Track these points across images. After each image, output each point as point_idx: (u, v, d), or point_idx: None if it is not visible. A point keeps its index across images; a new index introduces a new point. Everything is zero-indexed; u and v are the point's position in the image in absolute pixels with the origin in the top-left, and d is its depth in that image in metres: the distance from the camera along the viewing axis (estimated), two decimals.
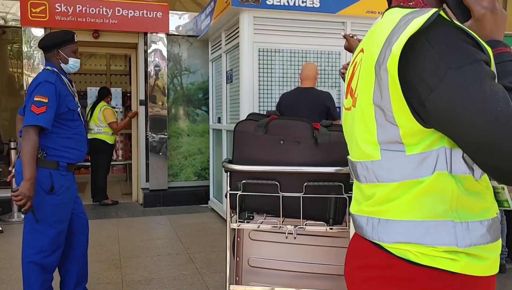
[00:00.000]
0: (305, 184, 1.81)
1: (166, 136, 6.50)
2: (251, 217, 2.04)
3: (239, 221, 1.98)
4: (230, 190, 1.90)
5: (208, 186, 6.48)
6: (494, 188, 1.06)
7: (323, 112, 4.06)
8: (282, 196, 1.83)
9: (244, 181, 1.85)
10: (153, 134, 6.45)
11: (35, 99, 2.47)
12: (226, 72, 5.49)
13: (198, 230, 5.09)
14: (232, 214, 1.97)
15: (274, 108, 4.83)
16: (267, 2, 4.65)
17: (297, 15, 4.78)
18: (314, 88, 4.19)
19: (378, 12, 4.94)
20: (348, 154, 1.34)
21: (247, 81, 4.73)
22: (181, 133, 6.68)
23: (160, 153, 6.47)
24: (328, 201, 1.82)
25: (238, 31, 4.85)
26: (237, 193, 1.87)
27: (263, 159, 1.83)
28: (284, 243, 2.07)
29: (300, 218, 1.85)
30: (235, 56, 5.09)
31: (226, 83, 5.49)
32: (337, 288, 2.06)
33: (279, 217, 1.89)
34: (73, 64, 2.78)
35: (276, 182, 1.82)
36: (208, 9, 5.71)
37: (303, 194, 1.82)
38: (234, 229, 2.08)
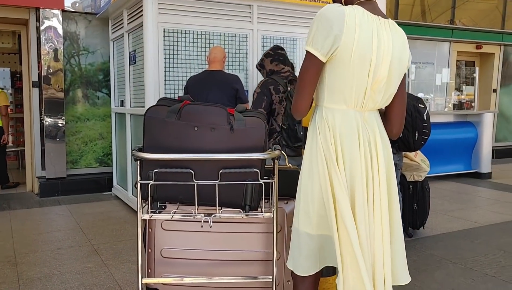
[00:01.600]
0: (221, 171, 1.76)
1: (64, 120, 6.07)
2: (163, 207, 1.96)
3: (151, 212, 1.88)
4: (141, 180, 1.79)
5: (111, 172, 6.19)
6: None
7: (232, 95, 4.03)
8: (196, 185, 1.77)
9: (156, 170, 1.76)
10: (48, 119, 5.98)
11: None
12: (129, 52, 5.22)
13: (102, 220, 4.84)
14: (143, 204, 1.87)
15: (181, 91, 4.70)
16: None
17: None
18: (222, 70, 4.14)
19: None
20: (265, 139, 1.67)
21: (152, 63, 4.54)
22: (80, 117, 6.27)
23: (57, 139, 6.03)
24: (243, 187, 1.79)
25: (141, 10, 4.62)
26: (149, 183, 1.77)
27: (176, 146, 1.74)
28: (199, 232, 2.01)
29: (215, 206, 1.80)
30: (139, 36, 4.85)
31: (129, 64, 5.23)
32: (252, 273, 2.05)
33: (194, 205, 1.83)
34: None
35: (191, 170, 1.75)
36: None
37: (219, 181, 1.77)
38: (145, 220, 1.98)
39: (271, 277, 1.93)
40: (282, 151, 1.89)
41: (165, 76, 4.63)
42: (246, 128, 1.75)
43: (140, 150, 1.80)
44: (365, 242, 1.66)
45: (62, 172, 6.06)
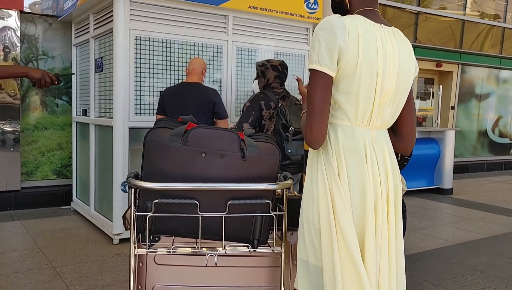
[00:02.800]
0: (229, 202, 1.58)
1: (19, 129, 5.65)
2: (156, 239, 1.75)
3: (142, 245, 1.67)
4: (137, 211, 1.59)
5: (70, 185, 5.81)
6: None
7: (209, 109, 3.84)
8: (201, 217, 1.58)
9: (156, 200, 1.55)
10: (2, 126, 5.55)
11: None
12: (95, 59, 4.92)
13: (62, 238, 4.49)
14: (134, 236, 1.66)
15: (152, 101, 4.46)
16: None
17: (178, 3, 4.46)
18: (200, 83, 3.94)
19: (260, 8, 4.86)
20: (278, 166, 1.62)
21: (122, 71, 4.28)
22: (37, 125, 5.87)
23: (12, 149, 5.60)
24: (252, 220, 1.62)
25: (111, 16, 4.36)
26: (147, 215, 1.56)
27: (180, 174, 1.55)
28: (196, 267, 1.81)
29: (220, 240, 1.62)
30: (107, 43, 4.58)
31: (95, 72, 4.93)
32: None
33: (194, 238, 1.64)
34: None
35: (196, 201, 1.56)
36: None
37: (226, 213, 1.59)
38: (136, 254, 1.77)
39: None
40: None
41: (136, 85, 4.38)
42: (259, 155, 1.59)
43: (137, 176, 1.59)
44: (373, 273, 1.52)
45: (16, 184, 5.63)
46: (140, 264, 1.82)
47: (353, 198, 1.52)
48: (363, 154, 1.53)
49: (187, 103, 3.76)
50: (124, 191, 4.10)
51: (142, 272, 1.82)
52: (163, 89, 4.38)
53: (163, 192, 1.56)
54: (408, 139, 1.71)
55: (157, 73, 4.51)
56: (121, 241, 4.30)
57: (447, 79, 9.97)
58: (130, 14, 4.28)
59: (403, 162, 3.64)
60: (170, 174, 1.55)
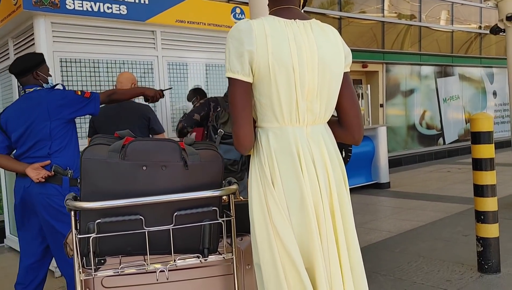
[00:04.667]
0: (175, 214, 1.55)
1: None
2: (102, 262, 1.68)
3: (87, 269, 1.60)
4: (78, 234, 1.51)
5: (3, 221, 5.45)
6: None
7: (144, 126, 3.77)
8: (147, 232, 1.54)
9: (98, 220, 1.49)
10: None
11: (77, 93, 2.88)
12: (18, 86, 4.68)
13: None
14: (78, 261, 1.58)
15: (84, 125, 4.31)
16: (67, 6, 4.11)
17: (102, 22, 4.36)
18: (131, 100, 3.84)
19: (188, 22, 4.85)
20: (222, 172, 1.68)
21: None
22: None
23: None
24: (201, 229, 1.60)
25: (32, 39, 4.17)
26: (90, 237, 1.50)
27: (122, 190, 1.50)
28: (149, 284, 1.76)
29: (170, 253, 1.58)
30: None
31: None
32: None
33: (143, 255, 1.59)
34: (51, 82, 2.99)
35: (140, 217, 1.52)
36: None
37: (173, 225, 1.55)
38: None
39: None
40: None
41: None
42: (201, 163, 1.57)
43: (76, 198, 1.52)
44: (323, 278, 1.51)
45: None
46: (87, 289, 1.73)
47: (290, 202, 1.51)
48: (296, 154, 1.53)
49: (120, 121, 3.65)
50: None
51: None
52: None
53: (105, 211, 1.50)
54: (354, 129, 1.69)
55: None
56: None
57: (374, 79, 10.42)
58: (53, 36, 4.12)
59: (347, 158, 3.76)
60: (111, 192, 1.49)
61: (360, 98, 10.61)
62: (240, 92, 1.50)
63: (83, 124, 4.29)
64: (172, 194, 1.53)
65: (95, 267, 1.58)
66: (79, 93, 2.88)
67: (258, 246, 1.52)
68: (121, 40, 4.52)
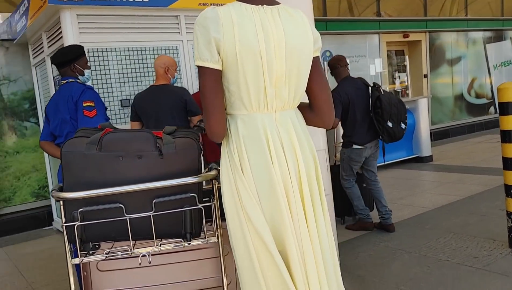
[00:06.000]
0: (154, 201, 1.61)
1: None
2: (97, 247, 1.78)
3: (81, 254, 1.70)
4: (65, 222, 1.61)
5: (50, 205, 5.82)
6: None
7: (181, 108, 3.80)
8: (129, 219, 1.61)
9: (81, 209, 1.58)
10: None
11: (84, 105, 2.80)
12: (54, 77, 4.92)
13: (43, 259, 4.51)
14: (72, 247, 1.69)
15: (115, 111, 4.47)
16: None
17: (125, 10, 4.46)
18: (168, 84, 3.88)
19: (211, 4, 4.86)
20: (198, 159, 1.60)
21: None
22: (8, 151, 5.85)
23: None
24: (182, 215, 1.65)
25: (61, 32, 4.35)
26: (75, 225, 1.59)
27: (101, 181, 1.57)
28: (141, 268, 1.85)
29: (153, 239, 1.65)
30: None
31: (55, 90, 4.92)
32: None
33: (128, 241, 1.67)
34: (88, 74, 3.10)
35: (120, 205, 1.59)
36: (22, 8, 5.03)
37: (153, 212, 1.62)
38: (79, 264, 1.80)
39: None
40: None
41: None
42: (176, 151, 1.61)
43: (61, 189, 1.62)
44: (297, 263, 1.51)
45: None
46: (84, 273, 1.85)
47: (260, 187, 1.53)
48: (265, 140, 1.54)
49: (160, 106, 3.75)
50: None
51: (87, 281, 1.85)
52: (124, 98, 4.41)
53: (87, 200, 1.59)
54: (324, 113, 1.68)
55: (118, 82, 4.52)
56: None
57: (416, 49, 10.02)
58: (79, 28, 4.28)
59: (404, 131, 4.13)
60: (91, 182, 1.57)
61: (405, 70, 10.26)
62: (211, 80, 1.51)
63: (117, 113, 4.46)
64: (149, 182, 1.59)
65: (86, 252, 1.68)
66: (87, 113, 2.85)
67: (231, 231, 1.56)
68: (145, 27, 4.61)
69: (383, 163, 6.98)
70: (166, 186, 1.58)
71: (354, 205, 4.33)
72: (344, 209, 4.63)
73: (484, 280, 2.99)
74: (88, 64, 3.15)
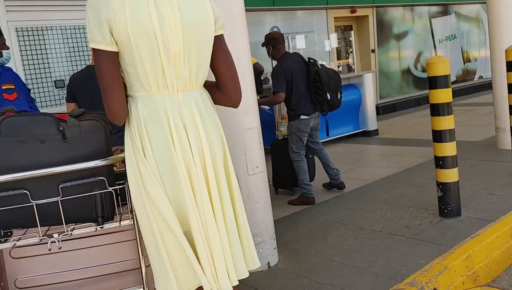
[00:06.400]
0: (60, 186, 1.58)
1: None
2: (9, 234, 1.74)
3: None
4: None
5: None
6: None
7: None
8: (37, 205, 1.57)
9: None
10: None
11: (3, 88, 2.68)
12: None
13: None
14: None
15: (44, 93, 4.33)
16: None
17: None
18: None
19: None
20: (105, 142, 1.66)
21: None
22: None
23: None
24: (92, 199, 1.63)
25: None
26: None
27: (4, 166, 1.53)
28: (55, 253, 1.82)
29: (63, 224, 1.62)
30: None
31: None
32: (123, 285, 1.91)
33: (36, 227, 1.63)
34: (7, 55, 2.98)
35: (25, 191, 1.55)
36: None
37: (61, 197, 1.59)
38: None
39: (141, 286, 1.80)
40: None
41: (25, 78, 4.22)
42: (81, 134, 1.58)
43: None
44: (199, 236, 1.52)
45: None
46: None
47: (162, 169, 1.52)
48: (166, 122, 1.52)
49: (95, 86, 3.60)
50: None
51: (1, 269, 1.81)
52: (58, 79, 4.25)
53: None
54: (230, 91, 1.68)
55: (51, 63, 4.36)
56: None
57: (364, 24, 10.15)
58: (5, 5, 4.08)
59: (340, 100, 4.47)
60: None
61: (352, 45, 10.40)
62: (106, 63, 1.48)
63: (46, 95, 4.31)
64: (54, 167, 1.55)
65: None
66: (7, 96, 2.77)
67: (137, 214, 1.56)
68: (73, 4, 4.44)
69: (328, 139, 7.12)
70: (71, 170, 1.55)
71: (299, 178, 4.43)
72: (293, 182, 4.76)
73: (413, 248, 3.12)
74: (9, 44, 3.02)
